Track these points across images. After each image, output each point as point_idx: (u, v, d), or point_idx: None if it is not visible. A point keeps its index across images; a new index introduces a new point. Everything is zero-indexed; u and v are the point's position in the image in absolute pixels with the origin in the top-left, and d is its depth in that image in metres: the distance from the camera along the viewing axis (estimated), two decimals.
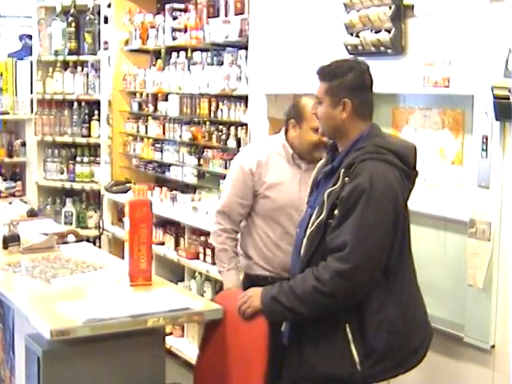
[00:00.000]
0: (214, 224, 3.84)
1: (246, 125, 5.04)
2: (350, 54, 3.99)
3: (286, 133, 3.74)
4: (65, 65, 7.18)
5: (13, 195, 7.02)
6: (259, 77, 4.76)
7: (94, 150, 7.11)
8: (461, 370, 3.57)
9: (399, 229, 2.95)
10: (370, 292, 2.90)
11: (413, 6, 3.69)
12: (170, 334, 5.54)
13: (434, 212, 3.71)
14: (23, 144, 7.28)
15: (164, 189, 6.14)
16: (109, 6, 6.63)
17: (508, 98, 3.20)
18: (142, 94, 6.52)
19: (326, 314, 2.92)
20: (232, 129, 5.29)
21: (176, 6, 6.01)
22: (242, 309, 3.08)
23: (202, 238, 5.36)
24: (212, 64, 5.55)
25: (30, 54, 7.33)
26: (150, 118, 6.39)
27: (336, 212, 2.90)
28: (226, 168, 5.31)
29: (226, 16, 5.28)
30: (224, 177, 5.34)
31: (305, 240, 2.99)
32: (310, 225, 2.98)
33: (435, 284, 3.72)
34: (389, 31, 3.73)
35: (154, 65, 6.37)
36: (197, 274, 5.45)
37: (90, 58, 7.03)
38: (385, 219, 2.88)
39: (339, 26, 4.01)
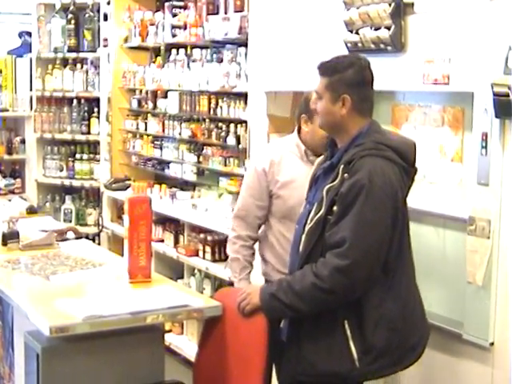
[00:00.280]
0: (230, 231, 3.80)
1: (245, 122, 5.04)
2: (350, 51, 3.99)
3: (299, 130, 3.72)
4: (64, 62, 7.18)
5: (12, 192, 7.03)
6: (259, 74, 4.75)
7: (93, 147, 7.11)
8: (460, 367, 3.57)
9: (398, 225, 2.95)
10: (369, 288, 2.90)
11: (413, 4, 3.68)
12: (170, 331, 5.54)
13: (433, 209, 3.71)
14: (22, 141, 7.28)
15: (163, 186, 6.14)
16: (108, 3, 6.62)
17: (508, 96, 3.19)
18: (141, 91, 6.52)
19: (325, 310, 2.92)
20: (231, 126, 5.29)
21: (175, 3, 6.02)
22: (241, 306, 3.08)
23: (202, 236, 5.36)
24: (211, 61, 5.55)
25: (30, 51, 7.32)
26: (149, 115, 6.39)
27: (335, 208, 2.90)
28: (225, 165, 5.31)
29: (226, 13, 5.28)
30: (223, 174, 5.37)
31: (303, 236, 2.99)
32: (308, 221, 2.98)
33: (434, 281, 3.72)
34: (388, 28, 3.73)
35: (154, 62, 6.36)
36: (196, 271, 5.45)
37: (89, 56, 7.03)
38: (384, 215, 2.88)
39: (339, 23, 4.00)
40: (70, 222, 6.92)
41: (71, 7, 7.00)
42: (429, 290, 3.64)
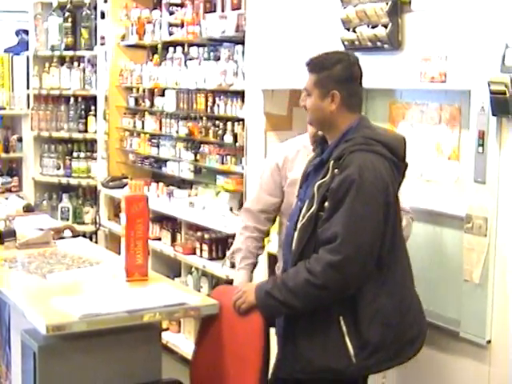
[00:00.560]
0: (240, 223, 3.78)
1: (242, 120, 5.04)
2: (347, 49, 3.98)
3: None
4: (61, 60, 7.17)
5: (9, 191, 7.03)
6: (256, 72, 4.75)
7: (90, 145, 7.11)
8: (457, 365, 3.57)
9: (390, 220, 2.95)
10: (363, 284, 2.91)
11: (410, 1, 3.68)
12: (167, 329, 5.54)
13: (430, 207, 3.71)
14: (19, 139, 7.28)
15: (160, 184, 6.14)
16: (105, 1, 6.62)
17: (505, 94, 3.20)
18: (138, 90, 6.51)
19: (320, 307, 2.92)
20: (229, 124, 5.29)
21: (172, 1, 6.01)
22: (237, 304, 3.08)
23: (199, 234, 5.36)
24: (209, 59, 5.55)
25: (27, 49, 7.32)
26: (146, 113, 6.38)
27: (326, 204, 2.91)
28: (222, 163, 5.31)
29: (223, 11, 5.28)
30: (220, 172, 5.37)
31: (296, 233, 2.99)
32: (300, 218, 2.98)
33: (431, 279, 3.72)
34: (385, 26, 3.73)
35: (151, 60, 6.36)
36: (193, 269, 5.45)
37: (86, 54, 7.02)
38: (375, 210, 2.89)
39: (336, 21, 4.00)
40: (67, 220, 6.92)
41: (68, 5, 6.99)
42: (426, 288, 3.64)
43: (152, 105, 6.29)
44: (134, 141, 6.52)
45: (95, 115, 6.95)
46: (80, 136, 7.08)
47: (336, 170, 2.91)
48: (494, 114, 3.30)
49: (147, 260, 3.46)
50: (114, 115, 6.72)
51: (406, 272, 3.11)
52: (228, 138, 5.26)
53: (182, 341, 5.48)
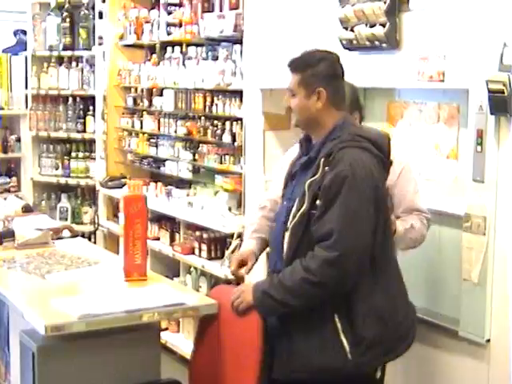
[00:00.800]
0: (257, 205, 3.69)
1: (241, 120, 5.04)
2: (345, 48, 3.99)
3: None
4: (59, 60, 7.15)
5: (8, 191, 7.01)
6: (254, 71, 4.75)
7: (89, 145, 7.09)
8: (456, 364, 3.57)
9: (381, 216, 2.96)
10: (358, 281, 2.91)
11: (408, 1, 3.69)
12: (166, 329, 5.54)
13: (428, 206, 3.71)
14: (18, 139, 7.26)
15: (159, 184, 6.13)
16: (103, 1, 6.61)
17: (503, 92, 3.20)
18: (136, 89, 6.51)
19: (317, 305, 2.92)
20: (227, 124, 5.28)
21: (171, 0, 6.00)
22: (235, 304, 3.07)
23: (198, 233, 5.36)
24: (207, 59, 5.54)
25: (25, 50, 7.31)
26: (144, 113, 6.37)
27: (318, 202, 2.91)
28: (221, 163, 5.30)
29: (221, 11, 5.27)
30: (219, 172, 5.36)
31: (287, 233, 2.98)
32: (290, 218, 2.98)
33: (430, 278, 3.73)
34: (383, 25, 3.73)
35: (149, 60, 6.35)
36: (192, 269, 5.45)
37: (84, 54, 7.01)
38: (367, 206, 2.90)
39: (334, 20, 4.00)
40: (66, 220, 6.91)
41: (66, 5, 6.97)
42: (424, 287, 3.65)
43: (150, 105, 6.28)
44: (132, 141, 6.51)
45: (94, 115, 6.94)
46: (78, 136, 7.07)
47: (327, 168, 2.91)
48: (492, 113, 3.30)
49: (146, 260, 3.46)
50: (112, 115, 6.71)
51: (396, 269, 3.12)
52: (226, 138, 5.25)
53: (181, 341, 5.48)
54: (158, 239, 5.84)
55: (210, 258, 5.25)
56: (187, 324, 5.47)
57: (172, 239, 5.72)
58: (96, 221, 6.62)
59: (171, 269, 5.60)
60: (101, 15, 6.66)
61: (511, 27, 3.21)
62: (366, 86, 4.04)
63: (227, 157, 5.26)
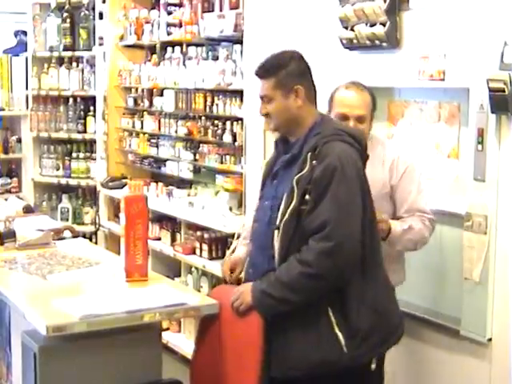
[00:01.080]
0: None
1: (241, 119, 5.04)
2: (345, 47, 4.00)
3: None
4: (60, 61, 7.15)
5: (9, 192, 7.01)
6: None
7: (89, 145, 7.09)
8: (458, 363, 3.57)
9: (367, 208, 3.00)
10: (350, 276, 2.94)
11: (408, 0, 3.68)
12: (167, 329, 5.54)
13: (430, 205, 3.70)
14: (19, 140, 7.26)
15: (160, 184, 6.13)
16: (103, 1, 6.60)
17: (503, 91, 3.20)
18: (137, 90, 6.50)
19: (315, 299, 2.93)
20: (228, 123, 5.28)
21: (170, 0, 6.00)
22: (235, 306, 3.06)
23: (199, 233, 5.35)
24: (207, 59, 5.54)
25: (25, 50, 7.30)
26: (145, 113, 6.37)
27: (307, 197, 2.92)
28: (221, 163, 5.30)
29: (221, 11, 5.27)
30: (219, 172, 5.36)
31: (278, 232, 2.98)
32: (279, 216, 2.98)
33: (431, 278, 3.73)
34: (384, 25, 3.73)
35: (149, 60, 6.35)
36: (193, 269, 5.45)
37: (85, 54, 7.00)
38: (356, 197, 2.94)
39: (334, 19, 4.00)
40: (67, 220, 6.90)
41: (66, 6, 6.96)
42: (426, 287, 3.65)
43: (151, 105, 6.28)
44: (133, 141, 6.51)
45: (94, 116, 6.94)
46: (79, 136, 7.07)
47: (314, 162, 2.94)
48: (493, 112, 3.30)
49: (147, 260, 3.45)
50: (112, 115, 6.71)
51: (384, 270, 3.15)
52: (227, 138, 5.25)
53: (183, 341, 5.47)
54: (159, 239, 5.84)
55: (211, 258, 5.24)
56: (188, 324, 5.47)
57: (173, 239, 5.72)
58: (97, 221, 6.62)
59: (172, 269, 5.59)
60: (101, 16, 6.66)
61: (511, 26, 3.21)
62: (366, 86, 4.03)
63: (228, 157, 5.26)
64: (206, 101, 5.49)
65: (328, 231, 2.87)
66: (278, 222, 2.98)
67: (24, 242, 4.03)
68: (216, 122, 5.44)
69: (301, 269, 2.90)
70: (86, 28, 6.91)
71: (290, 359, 3.00)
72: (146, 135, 6.33)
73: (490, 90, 3.24)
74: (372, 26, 3.79)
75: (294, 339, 2.99)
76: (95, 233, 6.69)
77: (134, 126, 6.50)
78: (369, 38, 3.82)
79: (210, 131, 5.47)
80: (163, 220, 5.85)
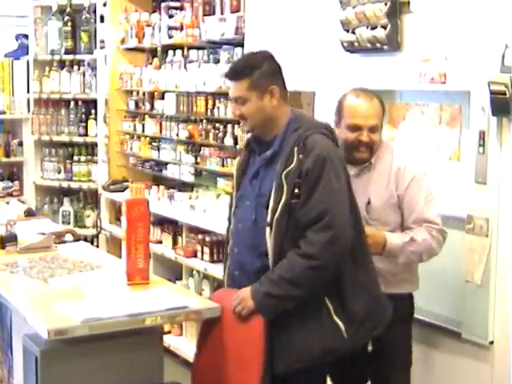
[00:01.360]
0: None
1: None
2: (346, 50, 3.99)
3: None
4: (61, 64, 7.16)
5: (10, 195, 7.01)
6: None
7: (91, 148, 7.10)
8: (459, 366, 3.57)
9: (352, 197, 3.08)
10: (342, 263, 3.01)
11: (409, 2, 3.69)
12: (169, 332, 5.53)
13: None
14: (20, 143, 7.27)
15: (161, 187, 6.13)
16: (104, 4, 6.61)
17: (505, 94, 3.20)
18: (138, 93, 6.51)
19: (317, 289, 2.99)
20: (229, 127, 5.28)
21: (172, 4, 6.01)
22: (237, 311, 3.06)
23: (200, 237, 5.35)
24: (208, 62, 5.54)
25: (27, 54, 7.31)
26: (146, 116, 6.38)
27: (297, 191, 2.96)
28: (222, 166, 5.31)
29: (222, 14, 5.28)
30: (221, 175, 5.36)
31: (271, 228, 3.00)
32: (269, 213, 3.00)
33: (433, 280, 3.72)
34: (385, 27, 3.73)
35: (151, 63, 6.35)
36: (195, 272, 5.44)
37: (86, 57, 7.01)
38: (343, 184, 3.01)
39: (335, 22, 4.00)
40: (69, 224, 6.91)
41: (68, 9, 6.97)
42: (427, 289, 3.64)
43: (152, 108, 6.28)
44: (134, 144, 6.51)
45: (95, 119, 6.95)
46: (80, 140, 7.07)
47: (301, 156, 2.98)
48: (494, 114, 3.30)
49: (148, 263, 3.45)
50: (114, 119, 6.72)
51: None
52: (228, 141, 5.26)
53: (184, 344, 5.47)
54: (161, 242, 5.84)
55: (212, 261, 5.24)
56: (190, 327, 5.47)
57: (174, 242, 5.72)
58: (98, 224, 6.63)
59: (174, 272, 5.59)
60: (102, 19, 6.67)
61: None
62: (367, 89, 4.03)
63: (229, 160, 5.26)
64: (207, 104, 5.49)
65: (327, 220, 2.92)
66: (269, 219, 3.00)
67: (25, 245, 4.03)
68: (217, 125, 5.45)
69: (306, 263, 2.93)
70: (87, 31, 6.92)
71: (293, 353, 3.03)
72: (148, 138, 6.34)
73: (491, 92, 3.24)
74: (373, 28, 3.79)
75: (295, 333, 3.02)
76: (97, 236, 6.69)
77: (135, 129, 6.51)
78: (370, 41, 3.82)
79: (211, 134, 5.47)
80: (164, 223, 5.85)
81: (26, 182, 7.29)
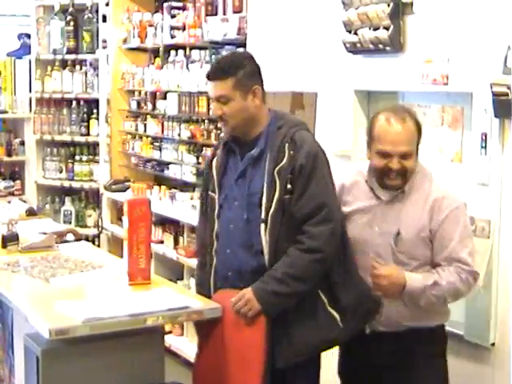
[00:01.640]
0: None
1: None
2: (349, 51, 3.99)
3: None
4: (63, 63, 7.17)
5: (12, 194, 7.02)
6: None
7: (92, 148, 7.10)
8: (461, 368, 3.56)
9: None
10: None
11: (411, 4, 3.68)
12: (170, 332, 5.53)
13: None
14: (22, 143, 7.27)
15: (163, 187, 6.14)
16: (107, 4, 6.62)
17: (507, 95, 3.19)
18: (140, 93, 6.51)
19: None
20: None
21: (174, 4, 6.02)
22: (242, 312, 3.05)
23: None
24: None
25: (29, 53, 7.32)
26: (148, 116, 6.38)
27: (289, 186, 3.01)
28: None
29: (225, 14, 5.28)
30: None
31: (266, 225, 3.02)
32: (263, 210, 3.02)
33: None
34: (387, 29, 3.73)
35: (153, 63, 6.36)
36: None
37: (88, 57, 7.02)
38: (332, 179, 3.10)
39: (337, 23, 4.00)
40: (70, 223, 6.91)
41: (70, 9, 6.98)
42: None
43: (154, 108, 6.29)
44: (136, 144, 6.52)
45: (97, 118, 6.95)
46: (82, 139, 7.07)
47: (292, 152, 3.02)
48: (496, 116, 3.30)
49: (150, 263, 3.45)
50: (116, 118, 6.72)
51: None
52: None
53: (185, 344, 5.47)
54: (162, 242, 5.84)
55: None
56: (191, 327, 5.45)
57: (176, 242, 5.72)
58: (100, 224, 6.63)
59: (175, 272, 5.59)
60: (104, 19, 6.67)
61: None
62: (369, 90, 4.04)
63: None
64: (209, 104, 5.48)
65: (326, 213, 2.98)
66: (263, 216, 3.02)
67: (27, 244, 4.03)
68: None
69: (310, 257, 2.99)
70: (89, 31, 6.92)
71: (293, 347, 3.05)
72: (149, 138, 6.34)
73: (494, 94, 3.24)
74: (375, 29, 3.79)
75: (294, 328, 3.05)
76: (98, 236, 6.69)
77: (137, 129, 6.51)
78: (372, 42, 3.82)
79: (213, 134, 5.47)
80: (166, 223, 5.85)
81: (28, 182, 7.29)
